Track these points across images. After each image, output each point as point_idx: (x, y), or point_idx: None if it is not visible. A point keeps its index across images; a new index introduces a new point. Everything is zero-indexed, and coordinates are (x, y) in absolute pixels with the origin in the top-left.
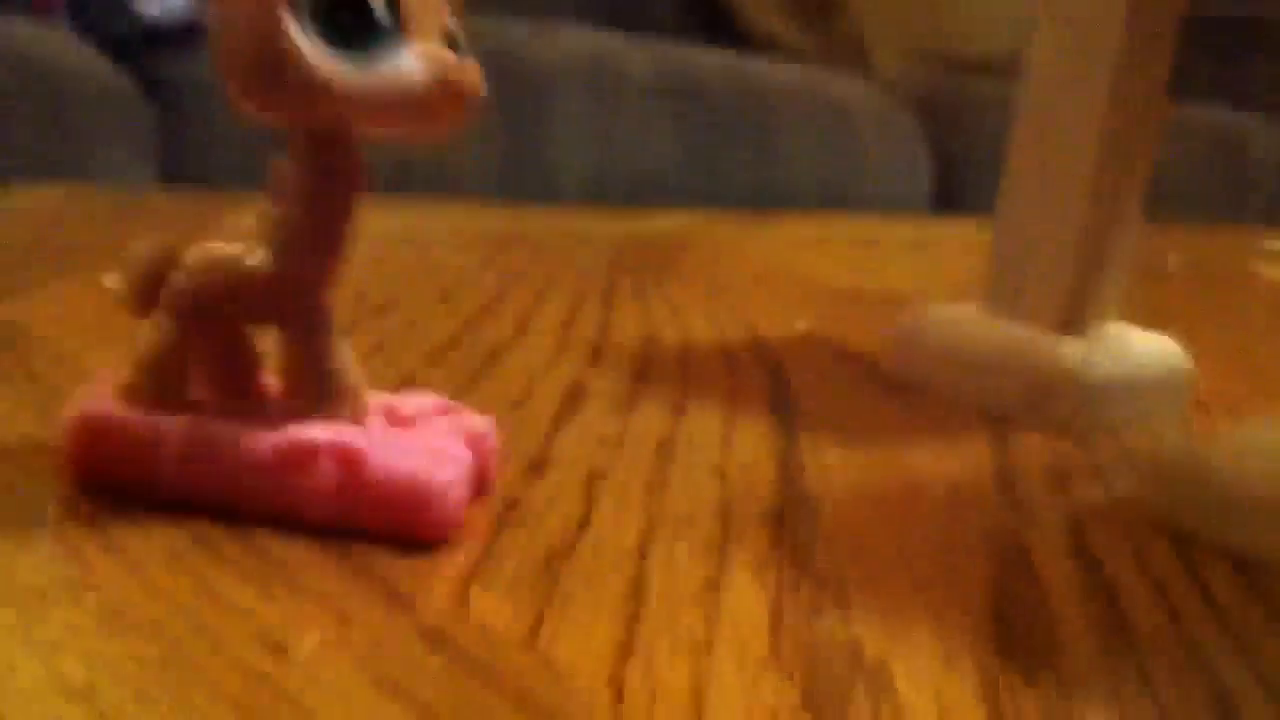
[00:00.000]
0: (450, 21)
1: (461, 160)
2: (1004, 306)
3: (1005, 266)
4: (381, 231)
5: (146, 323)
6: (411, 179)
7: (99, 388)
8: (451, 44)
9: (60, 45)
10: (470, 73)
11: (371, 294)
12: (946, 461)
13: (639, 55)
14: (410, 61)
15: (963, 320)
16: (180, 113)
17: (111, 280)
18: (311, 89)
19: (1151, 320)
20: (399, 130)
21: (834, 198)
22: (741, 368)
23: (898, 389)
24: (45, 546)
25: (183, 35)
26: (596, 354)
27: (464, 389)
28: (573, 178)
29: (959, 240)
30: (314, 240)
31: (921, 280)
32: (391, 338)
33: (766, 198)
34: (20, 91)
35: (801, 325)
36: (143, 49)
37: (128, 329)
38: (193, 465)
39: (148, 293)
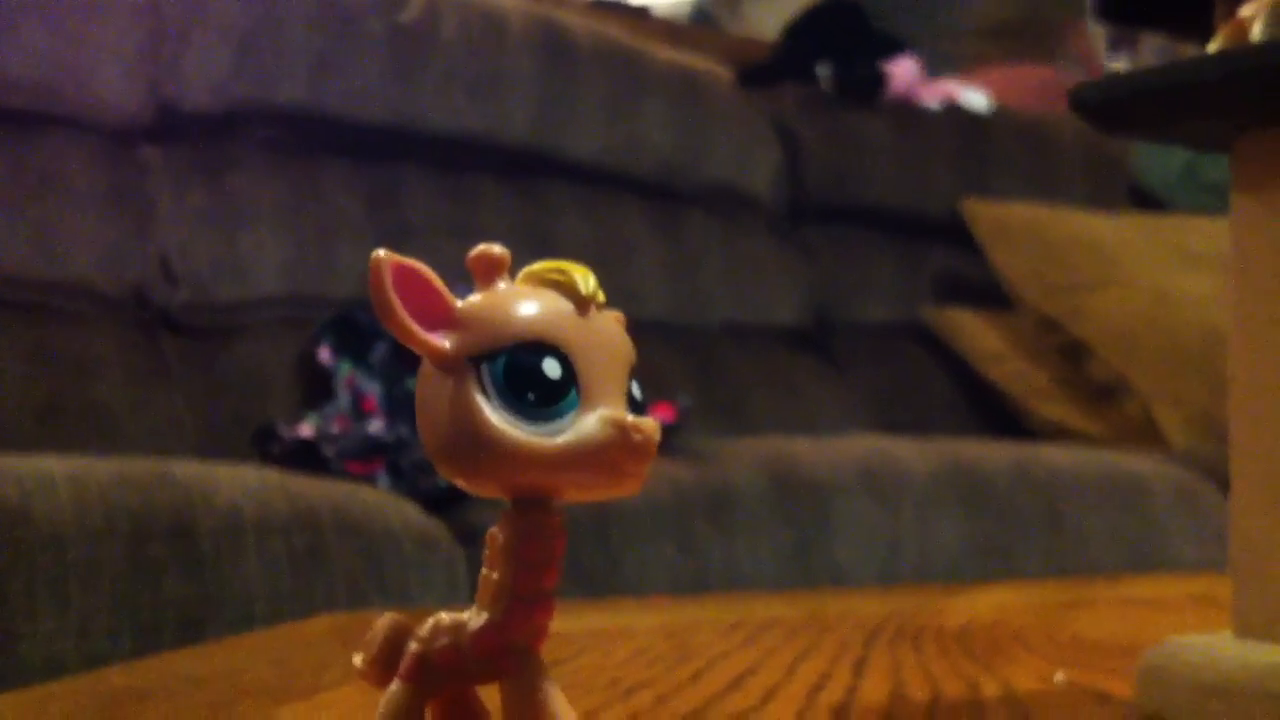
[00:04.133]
0: (630, 384)
1: (748, 564)
2: (1253, 629)
3: (1247, 587)
4: (649, 626)
5: (387, 691)
6: (705, 582)
7: None
8: (633, 405)
9: (380, 500)
10: (647, 429)
11: (625, 679)
12: None
13: (920, 454)
14: (591, 424)
15: (1212, 647)
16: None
17: (356, 658)
18: (503, 458)
19: None
20: (589, 490)
21: (1133, 571)
22: (989, 719)
23: None
24: None
25: None
26: (839, 716)
27: None
28: (861, 574)
29: None
30: (519, 598)
31: (1204, 629)
32: (639, 712)
33: (1061, 577)
34: (344, 540)
35: (1060, 678)
36: (455, 501)
37: None
38: None
39: (386, 664)
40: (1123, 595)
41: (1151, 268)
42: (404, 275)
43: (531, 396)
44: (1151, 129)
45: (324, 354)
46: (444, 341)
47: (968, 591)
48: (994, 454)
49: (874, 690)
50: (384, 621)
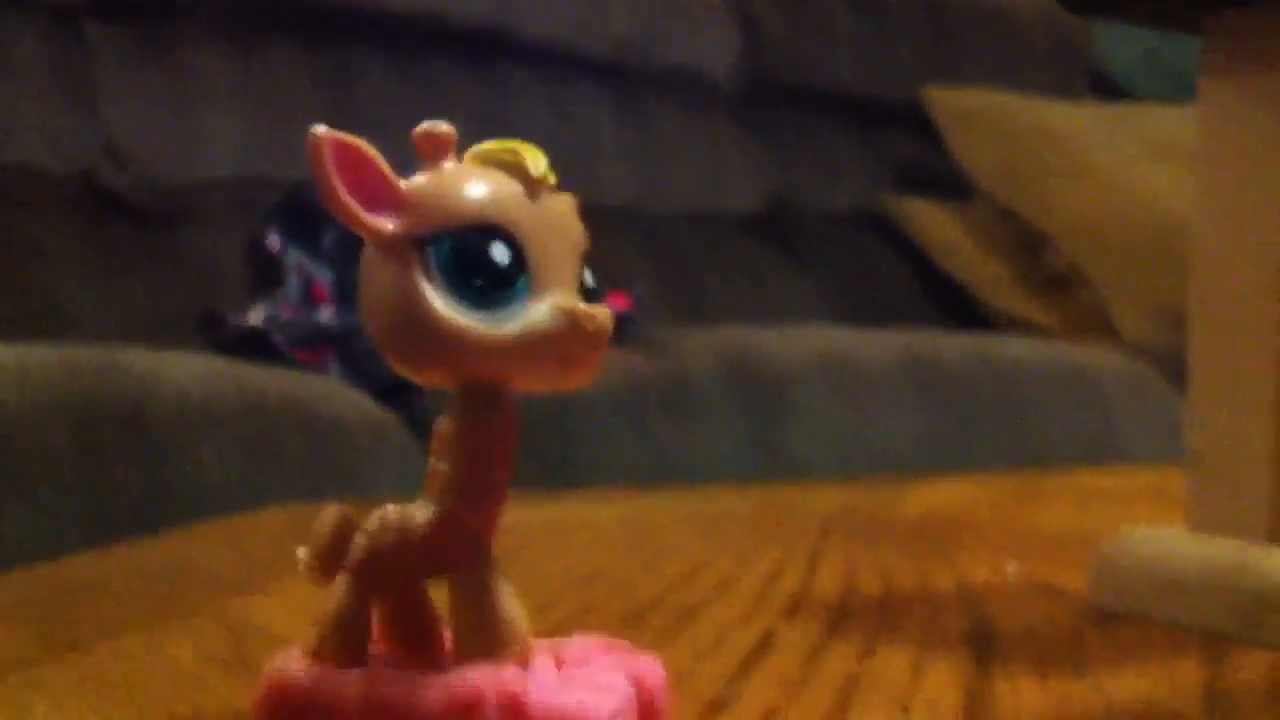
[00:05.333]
0: (583, 271)
1: (708, 456)
2: (1207, 523)
3: (1202, 481)
4: (605, 517)
5: (331, 586)
6: (663, 472)
7: (293, 652)
8: (586, 293)
9: (331, 390)
10: (600, 317)
11: (579, 567)
12: (1151, 686)
13: (878, 345)
14: (541, 313)
15: (1165, 540)
16: None
17: (300, 551)
18: (450, 347)
19: None
20: (540, 380)
21: (1088, 462)
22: (942, 610)
23: (1104, 619)
24: None
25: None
26: (794, 607)
27: (657, 644)
28: (820, 465)
29: None
30: (471, 490)
31: (1157, 522)
32: (595, 603)
33: (1017, 469)
34: (296, 429)
35: (1012, 569)
36: (407, 391)
37: None
38: (370, 718)
39: (331, 559)
40: (1077, 487)
41: (1114, 158)
42: (345, 153)
43: (479, 283)
44: (1120, 7)
45: (273, 240)
46: (387, 223)
47: (924, 483)
48: (951, 345)
49: (828, 582)
50: (329, 514)
